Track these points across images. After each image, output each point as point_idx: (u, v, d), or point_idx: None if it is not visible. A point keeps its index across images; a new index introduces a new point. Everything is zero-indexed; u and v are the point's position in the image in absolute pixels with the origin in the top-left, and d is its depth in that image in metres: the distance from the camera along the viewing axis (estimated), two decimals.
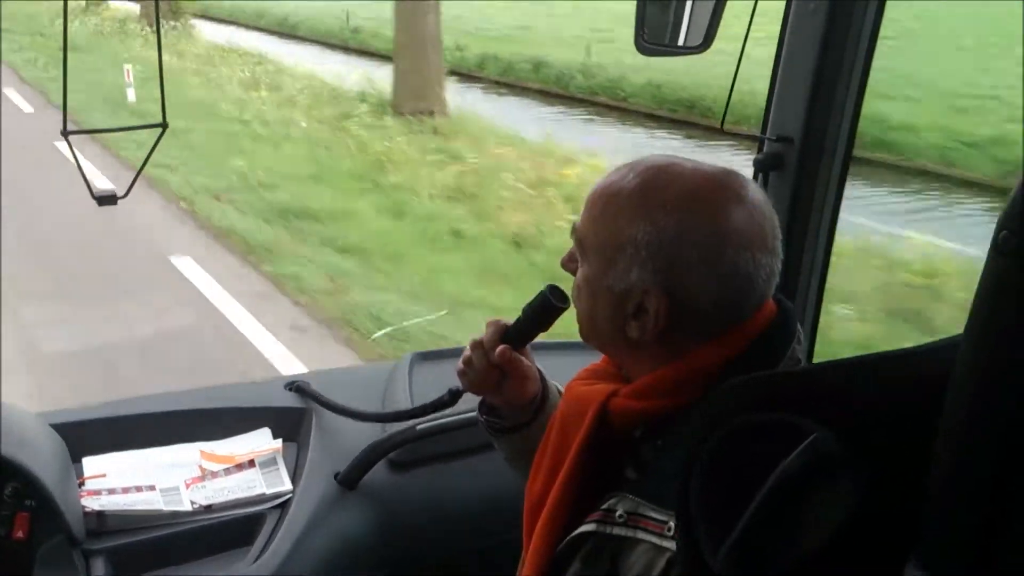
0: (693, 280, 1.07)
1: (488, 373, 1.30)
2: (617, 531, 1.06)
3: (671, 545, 0.99)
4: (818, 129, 1.79)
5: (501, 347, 1.28)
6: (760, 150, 1.89)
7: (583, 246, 1.16)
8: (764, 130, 1.87)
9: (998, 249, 0.66)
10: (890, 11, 1.68)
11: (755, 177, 1.90)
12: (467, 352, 1.33)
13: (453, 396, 1.62)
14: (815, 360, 1.95)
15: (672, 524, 0.99)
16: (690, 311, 1.08)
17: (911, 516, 0.74)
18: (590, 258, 1.15)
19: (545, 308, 1.28)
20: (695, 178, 1.10)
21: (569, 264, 1.21)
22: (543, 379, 1.37)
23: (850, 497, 0.74)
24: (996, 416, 0.70)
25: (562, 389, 1.29)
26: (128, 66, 11.72)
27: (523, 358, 1.31)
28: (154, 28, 13.02)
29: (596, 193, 1.15)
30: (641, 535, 1.03)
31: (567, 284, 1.25)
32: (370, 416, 1.77)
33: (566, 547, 1.12)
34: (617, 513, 1.06)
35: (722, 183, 1.10)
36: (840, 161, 1.80)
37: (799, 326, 1.16)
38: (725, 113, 1.92)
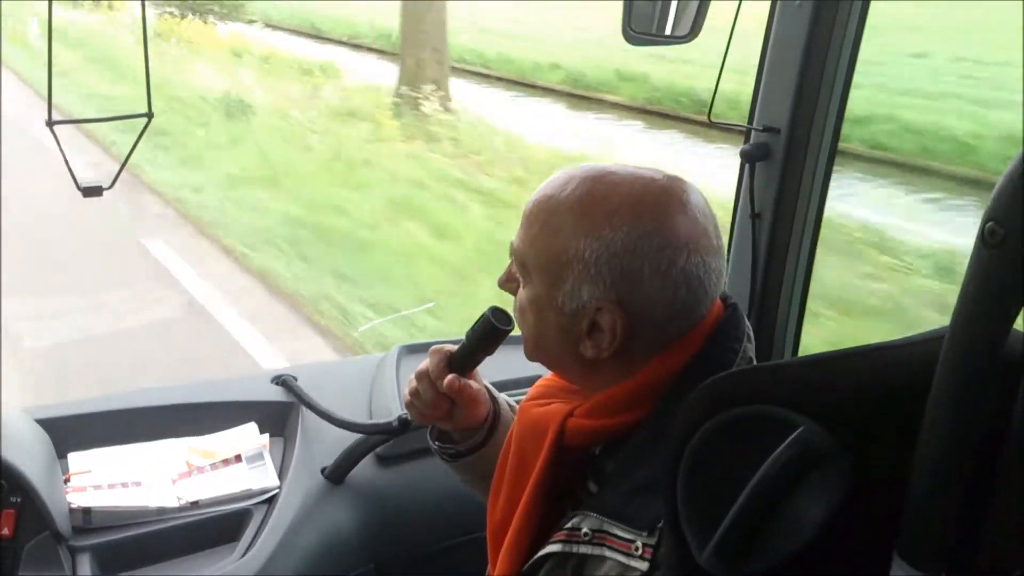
0: (647, 291, 1.05)
1: (437, 403, 1.26)
2: (583, 549, 1.05)
3: (639, 565, 0.98)
4: (805, 119, 1.79)
5: (449, 377, 1.23)
6: (747, 140, 1.89)
7: (524, 266, 1.12)
8: (751, 120, 1.87)
9: (984, 242, 0.66)
10: None
11: (742, 167, 1.90)
12: (413, 383, 1.29)
13: (403, 424, 1.60)
14: (801, 353, 1.96)
15: (640, 543, 0.99)
16: (646, 323, 1.06)
17: (897, 508, 0.74)
18: (533, 278, 1.11)
19: (489, 332, 1.24)
20: (636, 186, 1.07)
21: (508, 284, 1.18)
22: (493, 398, 1.33)
23: (837, 490, 0.74)
24: (980, 408, 0.70)
25: (512, 404, 1.26)
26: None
27: (471, 382, 1.27)
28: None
29: (533, 209, 1.11)
30: (607, 553, 1.02)
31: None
32: (347, 425, 1.76)
33: (531, 567, 1.11)
34: (582, 531, 1.05)
35: (664, 189, 1.08)
36: (827, 151, 1.80)
37: (747, 323, 1.14)
38: (712, 104, 1.91)
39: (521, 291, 1.15)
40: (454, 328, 4.72)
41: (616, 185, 1.07)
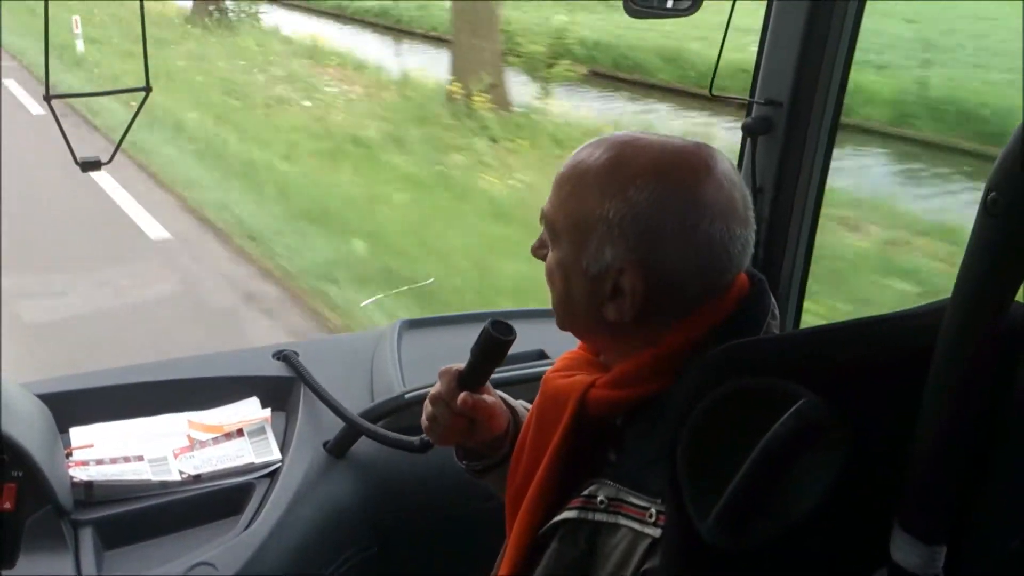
0: (668, 254, 1.04)
1: (455, 424, 1.26)
2: (598, 517, 1.05)
3: (652, 531, 0.99)
4: (807, 92, 1.78)
5: (462, 395, 1.23)
6: (748, 114, 1.88)
7: (553, 229, 1.13)
8: (753, 94, 1.86)
9: (987, 211, 0.66)
10: None
11: (743, 141, 1.89)
12: (428, 408, 1.29)
13: (424, 445, 1.60)
14: (802, 326, 1.96)
15: (654, 511, 1.00)
16: (667, 287, 1.06)
17: (898, 479, 0.74)
18: (561, 241, 1.12)
19: (491, 345, 1.24)
20: (664, 151, 1.08)
21: (539, 251, 1.18)
22: (510, 407, 1.34)
23: (838, 461, 0.74)
24: (982, 377, 0.70)
25: (528, 407, 1.26)
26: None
27: (486, 397, 1.27)
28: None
29: (563, 174, 1.12)
30: (622, 520, 1.03)
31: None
32: (345, 416, 1.75)
33: (546, 531, 1.12)
34: (598, 499, 1.06)
35: (692, 154, 1.08)
36: (828, 124, 1.79)
37: (773, 300, 1.14)
38: (713, 78, 1.90)
39: (549, 256, 1.15)
40: None
41: (644, 149, 1.08)
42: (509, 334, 1.23)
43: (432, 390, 1.29)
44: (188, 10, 14.62)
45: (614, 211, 1.05)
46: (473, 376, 1.26)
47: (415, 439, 1.63)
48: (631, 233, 1.05)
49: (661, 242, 1.04)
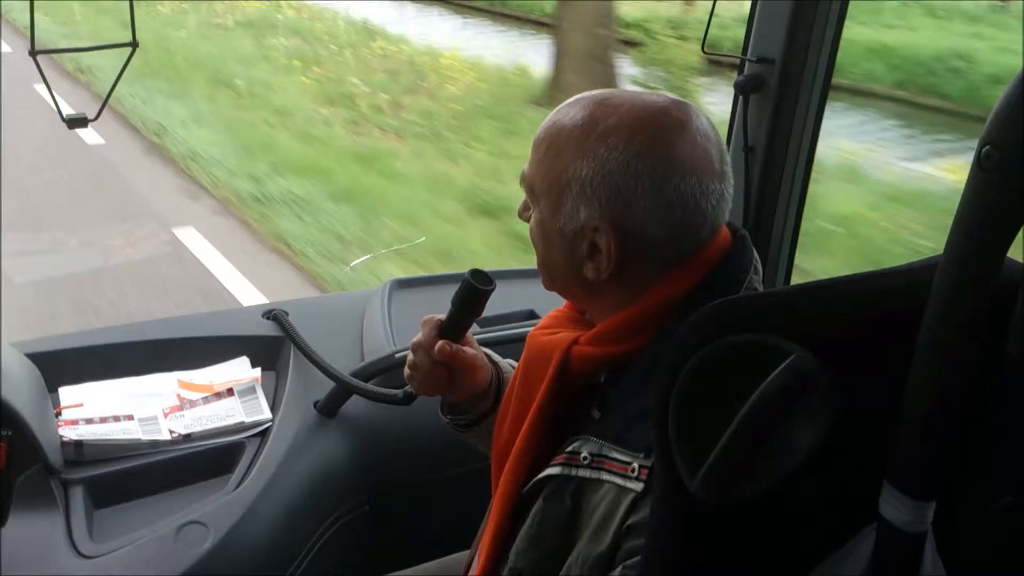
0: (639, 210, 1.05)
1: (435, 371, 1.29)
2: (582, 473, 1.06)
3: (635, 486, 1.00)
4: (799, 50, 1.77)
5: (440, 342, 1.26)
6: (740, 72, 1.86)
7: (532, 191, 1.14)
8: (745, 51, 1.84)
9: (980, 165, 0.65)
10: None
11: (735, 99, 1.88)
12: (410, 356, 1.32)
13: (407, 396, 1.61)
14: (792, 282, 1.96)
15: (636, 465, 1.00)
16: (640, 243, 1.06)
17: (889, 436, 0.74)
18: (540, 202, 1.13)
19: (471, 294, 1.26)
20: (635, 109, 1.07)
21: (524, 213, 1.19)
22: (494, 363, 1.36)
23: (828, 416, 0.74)
24: (973, 331, 0.70)
25: (514, 365, 1.27)
26: None
27: (466, 348, 1.29)
28: None
29: (540, 135, 1.13)
30: (605, 476, 1.04)
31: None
32: (332, 374, 1.75)
33: (531, 489, 1.13)
34: (582, 455, 1.07)
35: (663, 110, 1.07)
36: (821, 82, 1.78)
37: (756, 255, 1.14)
38: (705, 35, 1.89)
39: (532, 217, 1.16)
40: None
41: (616, 107, 1.08)
42: (488, 284, 1.25)
43: (414, 339, 1.31)
44: None
45: (586, 170, 1.06)
46: (453, 325, 1.28)
47: (398, 391, 1.63)
48: (602, 191, 1.05)
49: (632, 200, 1.05)
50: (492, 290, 1.26)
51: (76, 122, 1.16)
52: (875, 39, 9.49)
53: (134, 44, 1.11)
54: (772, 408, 0.73)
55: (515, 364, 1.28)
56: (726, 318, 0.79)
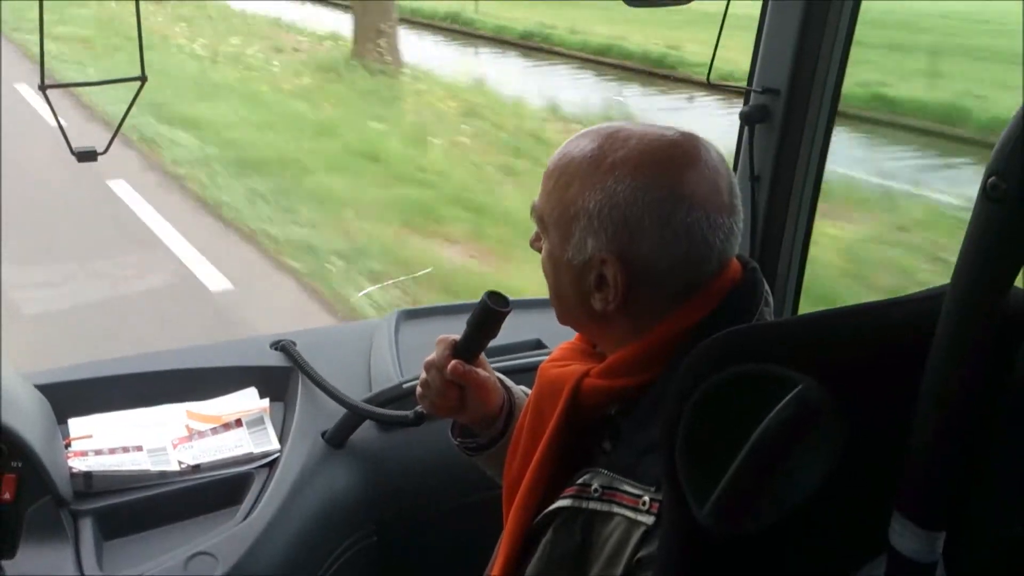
0: (646, 243, 1.05)
1: (447, 391, 1.29)
2: (592, 505, 1.06)
3: (646, 519, 0.99)
4: (804, 80, 1.78)
5: (452, 362, 1.26)
6: (746, 102, 1.87)
7: (543, 222, 1.15)
8: (750, 82, 1.85)
9: (986, 195, 0.65)
10: None
11: (741, 129, 1.89)
12: (422, 375, 1.32)
13: (418, 417, 1.60)
14: (800, 313, 1.96)
15: (647, 498, 1.00)
16: (647, 275, 1.07)
17: (898, 465, 0.74)
18: (550, 234, 1.14)
19: (487, 316, 1.26)
20: (643, 141, 1.08)
21: (536, 243, 1.20)
22: (507, 388, 1.36)
23: (836, 446, 0.74)
24: (979, 362, 0.70)
25: (529, 392, 1.27)
26: None
27: (479, 370, 1.29)
28: None
29: (550, 167, 1.14)
30: (616, 509, 1.03)
31: None
32: (344, 401, 1.75)
33: (541, 520, 1.12)
34: (592, 487, 1.07)
35: (673, 144, 1.08)
36: (827, 112, 1.79)
37: (767, 287, 1.15)
38: (711, 66, 1.90)
39: (542, 249, 1.17)
40: None
41: (625, 140, 1.09)
42: (505, 306, 1.26)
43: (427, 357, 1.31)
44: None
45: (594, 202, 1.07)
46: (467, 346, 1.29)
47: (409, 412, 1.63)
48: (610, 224, 1.06)
49: (639, 233, 1.05)
50: (508, 312, 1.26)
51: (86, 155, 1.17)
52: None
53: (143, 78, 1.12)
54: (779, 439, 0.73)
55: (528, 391, 1.28)
56: (733, 348, 0.79)
